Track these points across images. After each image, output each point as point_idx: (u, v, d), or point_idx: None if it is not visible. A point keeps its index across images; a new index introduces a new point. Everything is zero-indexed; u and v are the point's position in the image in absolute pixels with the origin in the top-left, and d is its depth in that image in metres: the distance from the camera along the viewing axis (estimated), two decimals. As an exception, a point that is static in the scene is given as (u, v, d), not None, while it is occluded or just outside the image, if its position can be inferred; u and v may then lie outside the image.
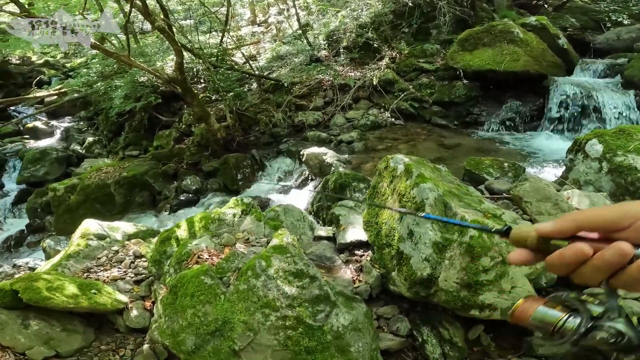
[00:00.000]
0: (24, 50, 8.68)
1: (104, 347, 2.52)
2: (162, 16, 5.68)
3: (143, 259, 3.30)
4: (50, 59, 11.79)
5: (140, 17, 7.82)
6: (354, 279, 2.56)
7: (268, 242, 2.78)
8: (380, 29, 7.93)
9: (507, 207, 2.87)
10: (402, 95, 6.80)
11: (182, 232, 3.10)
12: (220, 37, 8.14)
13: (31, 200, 6.28)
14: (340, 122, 6.68)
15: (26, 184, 6.98)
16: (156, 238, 3.52)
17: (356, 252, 2.78)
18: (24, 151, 7.59)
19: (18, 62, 11.24)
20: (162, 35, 7.93)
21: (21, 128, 8.76)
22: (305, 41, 8.54)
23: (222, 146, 6.31)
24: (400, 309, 2.37)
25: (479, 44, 6.65)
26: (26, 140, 8.31)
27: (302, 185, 5.44)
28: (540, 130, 6.15)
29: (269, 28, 10.61)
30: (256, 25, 10.85)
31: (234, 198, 3.21)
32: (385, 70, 7.26)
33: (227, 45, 8.69)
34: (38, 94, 9.54)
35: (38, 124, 8.88)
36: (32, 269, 4.06)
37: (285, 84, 7.19)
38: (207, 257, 2.66)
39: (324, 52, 8.35)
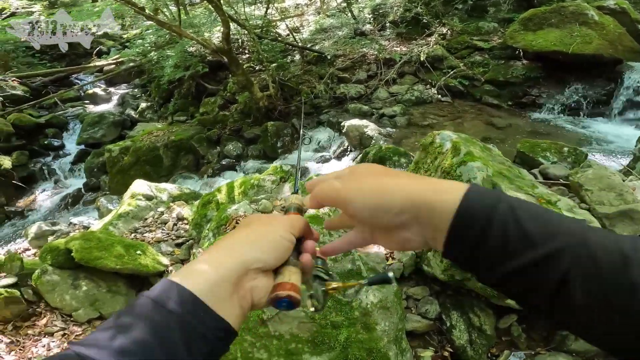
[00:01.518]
0: (85, 22, 9.11)
1: (145, 307, 2.70)
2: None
3: (185, 222, 3.45)
4: (109, 30, 12.31)
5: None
6: (387, 256, 2.53)
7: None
8: (430, 4, 7.67)
9: (562, 194, 2.66)
10: (452, 72, 6.59)
11: (222, 197, 3.20)
12: (265, 9, 8.11)
13: (89, 160, 6.75)
14: (383, 96, 6.55)
15: (85, 145, 7.46)
16: (198, 201, 3.67)
17: None
18: (84, 115, 8.11)
19: (80, 33, 11.82)
20: (209, 7, 8.03)
21: (82, 94, 9.33)
22: (349, 14, 8.40)
23: (264, 114, 6.38)
24: (431, 291, 2.32)
25: (544, 24, 6.25)
26: (86, 105, 8.85)
27: (340, 156, 5.40)
28: (607, 117, 5.64)
29: (313, 0, 10.46)
30: None
31: (273, 165, 3.24)
32: (435, 46, 7.03)
33: (271, 17, 8.66)
34: (97, 63, 10.12)
35: (97, 90, 9.43)
36: (87, 227, 4.39)
37: (328, 56, 7.17)
38: (245, 221, 2.73)
39: (368, 26, 8.17)
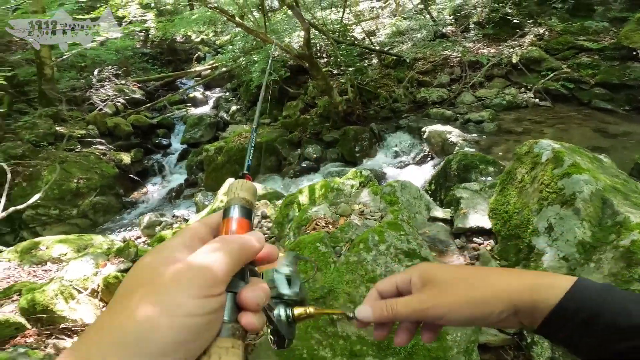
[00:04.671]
0: (186, 29, 10.13)
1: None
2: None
3: (268, 220, 3.70)
4: (204, 37, 13.52)
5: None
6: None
7: (382, 217, 2.82)
8: (522, 4, 7.20)
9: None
10: (552, 74, 6.07)
11: (303, 198, 3.37)
12: (341, 13, 8.23)
13: (189, 158, 7.55)
14: (469, 100, 6.24)
15: (187, 144, 8.34)
16: (280, 201, 3.91)
17: (475, 239, 2.62)
18: (187, 117, 9.10)
19: (181, 40, 13.22)
20: (288, 14, 8.40)
21: (185, 97, 10.48)
22: (427, 16, 8.17)
23: (343, 118, 6.51)
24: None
25: (664, 24, 5.36)
26: (188, 108, 9.92)
27: (420, 162, 5.27)
28: None
29: (387, 3, 10.34)
30: (374, 0, 10.67)
31: (353, 169, 3.32)
32: (530, 47, 6.55)
33: (346, 21, 8.75)
34: (196, 69, 11.26)
35: (197, 94, 10.52)
36: (186, 219, 4.96)
37: (407, 60, 7.05)
38: (324, 224, 2.84)
39: (449, 28, 7.87)
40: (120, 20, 8.59)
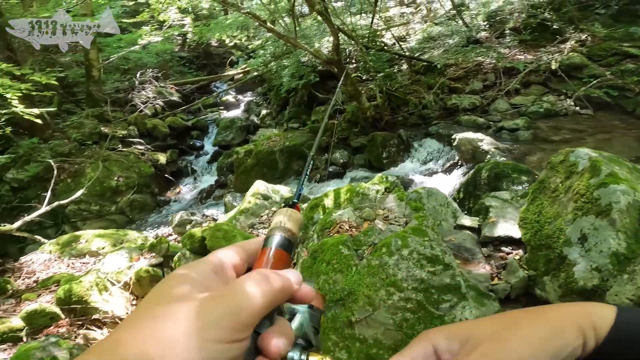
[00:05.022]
0: (220, 34, 10.46)
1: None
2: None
3: None
4: (237, 41, 13.88)
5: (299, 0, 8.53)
6: (493, 275, 2.39)
7: (407, 223, 2.81)
8: (562, 10, 6.96)
9: None
10: (594, 81, 5.81)
11: (328, 202, 3.40)
12: (370, 19, 8.25)
13: (220, 160, 7.79)
14: (503, 108, 6.07)
15: (219, 146, 8.60)
16: (306, 204, 3.96)
17: (502, 248, 2.58)
18: (219, 119, 9.40)
19: (216, 44, 13.63)
20: (317, 19, 8.49)
21: (218, 101, 10.83)
22: (460, 22, 8.06)
23: (371, 124, 6.50)
24: (539, 317, 2.12)
25: None
26: (221, 111, 10.23)
27: (448, 170, 5.18)
28: None
29: (418, 9, 10.25)
30: (404, 6, 10.59)
31: (379, 175, 3.32)
32: (570, 53, 6.31)
33: (376, 27, 8.75)
34: (229, 72, 11.61)
35: (229, 97, 10.84)
36: (215, 219, 5.12)
37: (438, 66, 6.94)
38: (347, 228, 2.86)
39: (483, 34, 7.71)
40: (161, 24, 9.04)
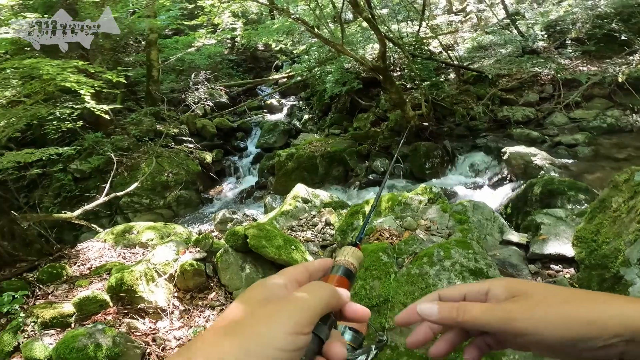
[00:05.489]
0: (267, 38, 10.75)
1: (283, 299, 2.94)
2: (366, 6, 6.04)
3: (331, 227, 3.77)
4: (283, 46, 14.20)
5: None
6: None
7: (449, 235, 2.74)
8: (631, 20, 6.55)
9: None
10: None
11: (369, 209, 3.39)
12: (418, 26, 8.13)
13: (262, 162, 7.99)
14: (561, 122, 5.77)
15: (261, 148, 8.82)
16: (345, 210, 3.96)
17: (552, 266, 2.50)
18: (263, 122, 9.66)
19: (262, 48, 13.99)
20: (361, 26, 8.48)
21: (262, 104, 11.12)
22: (514, 31, 7.80)
23: (414, 133, 6.40)
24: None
25: None
26: (265, 114, 10.51)
27: (496, 184, 4.98)
28: None
29: (468, 17, 9.96)
30: (452, 14, 10.31)
31: (422, 185, 3.26)
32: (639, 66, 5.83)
33: (423, 35, 8.62)
34: (274, 76, 11.91)
35: (273, 101, 11.11)
36: (254, 219, 5.23)
37: (489, 76, 6.74)
38: (388, 236, 2.84)
39: (541, 44, 7.39)
40: (215, 27, 9.49)
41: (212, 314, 2.75)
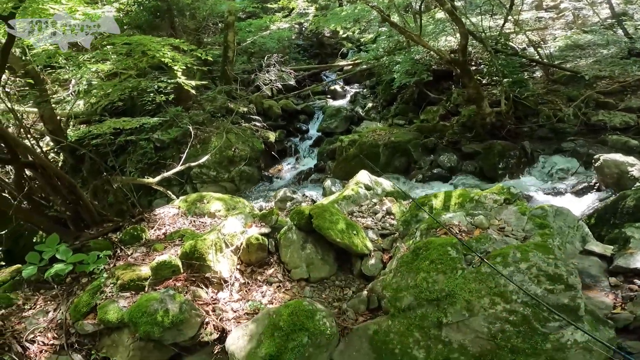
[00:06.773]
0: (336, 25, 10.69)
1: (338, 282, 2.91)
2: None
3: (392, 216, 3.67)
4: (350, 33, 14.01)
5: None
6: (616, 304, 2.27)
7: (525, 238, 2.59)
8: None
9: None
10: None
11: (437, 203, 3.28)
12: (503, 21, 7.56)
13: (322, 146, 8.08)
14: None
15: (322, 132, 8.93)
16: (406, 202, 3.87)
17: (636, 280, 2.38)
18: (326, 107, 9.74)
19: (328, 35, 13.95)
20: (435, 17, 8.06)
21: (326, 89, 11.20)
22: (619, 32, 7.14)
23: (488, 131, 6.06)
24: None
25: None
26: (328, 99, 10.58)
27: (580, 192, 4.57)
28: None
29: (561, 14, 9.16)
30: (542, 11, 9.48)
31: (499, 184, 3.10)
32: None
33: (507, 30, 8.02)
34: (340, 63, 11.88)
35: (337, 87, 11.12)
36: (314, 200, 5.24)
37: (586, 77, 6.18)
38: (457, 232, 2.73)
39: (651, 47, 6.50)
40: (290, 11, 9.64)
41: (269, 291, 2.74)
